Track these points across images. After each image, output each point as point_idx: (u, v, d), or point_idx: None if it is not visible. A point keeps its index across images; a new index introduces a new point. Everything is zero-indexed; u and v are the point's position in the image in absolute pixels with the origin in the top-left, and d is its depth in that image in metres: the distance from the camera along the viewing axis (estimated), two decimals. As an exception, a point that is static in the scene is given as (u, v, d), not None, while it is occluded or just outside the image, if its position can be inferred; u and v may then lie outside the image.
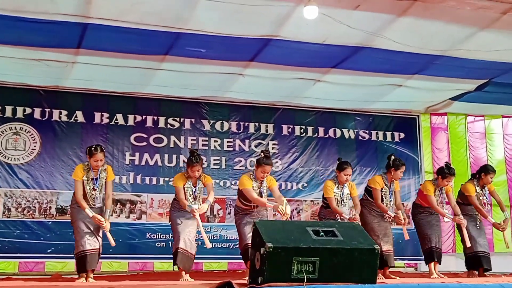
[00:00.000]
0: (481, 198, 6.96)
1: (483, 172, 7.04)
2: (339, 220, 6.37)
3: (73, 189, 5.92)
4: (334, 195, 6.46)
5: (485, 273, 6.82)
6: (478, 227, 6.98)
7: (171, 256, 6.05)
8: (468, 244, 6.63)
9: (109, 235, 5.76)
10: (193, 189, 5.99)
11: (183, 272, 5.86)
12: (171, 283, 5.31)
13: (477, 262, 6.84)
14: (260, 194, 6.04)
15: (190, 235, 5.95)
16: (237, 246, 6.54)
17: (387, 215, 6.63)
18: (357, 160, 9.35)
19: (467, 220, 6.81)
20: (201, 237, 6.00)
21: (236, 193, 6.47)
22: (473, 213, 6.96)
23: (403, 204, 8.48)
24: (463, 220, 6.67)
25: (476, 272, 6.84)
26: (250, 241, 5.92)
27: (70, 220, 5.92)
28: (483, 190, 7.03)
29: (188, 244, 5.89)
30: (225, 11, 5.86)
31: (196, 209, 5.86)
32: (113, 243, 5.81)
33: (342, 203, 6.51)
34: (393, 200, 6.72)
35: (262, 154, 6.13)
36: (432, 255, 6.71)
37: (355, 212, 6.51)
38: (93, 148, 5.76)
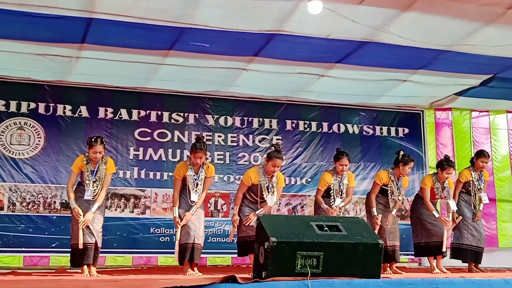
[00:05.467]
0: (475, 183, 6.92)
1: (475, 156, 7.05)
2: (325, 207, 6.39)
3: (76, 184, 5.88)
4: (332, 185, 6.46)
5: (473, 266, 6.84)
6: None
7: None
8: (444, 249, 6.60)
9: (80, 233, 5.55)
10: (195, 178, 5.86)
11: (189, 268, 5.75)
12: (175, 277, 5.31)
13: (461, 255, 6.87)
14: (268, 190, 6.07)
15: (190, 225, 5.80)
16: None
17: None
18: (361, 156, 9.36)
19: (467, 210, 6.85)
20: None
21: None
22: (471, 202, 6.95)
23: (407, 199, 8.47)
24: (449, 223, 6.61)
25: (476, 265, 6.84)
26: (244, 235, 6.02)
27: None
28: (480, 177, 6.98)
29: (186, 236, 5.74)
30: (229, 6, 5.86)
31: (179, 221, 5.73)
32: (81, 241, 5.59)
33: (341, 194, 6.50)
34: (400, 195, 6.70)
35: (272, 147, 6.14)
36: (428, 250, 6.72)
37: (344, 201, 6.50)
38: (93, 140, 5.65)
